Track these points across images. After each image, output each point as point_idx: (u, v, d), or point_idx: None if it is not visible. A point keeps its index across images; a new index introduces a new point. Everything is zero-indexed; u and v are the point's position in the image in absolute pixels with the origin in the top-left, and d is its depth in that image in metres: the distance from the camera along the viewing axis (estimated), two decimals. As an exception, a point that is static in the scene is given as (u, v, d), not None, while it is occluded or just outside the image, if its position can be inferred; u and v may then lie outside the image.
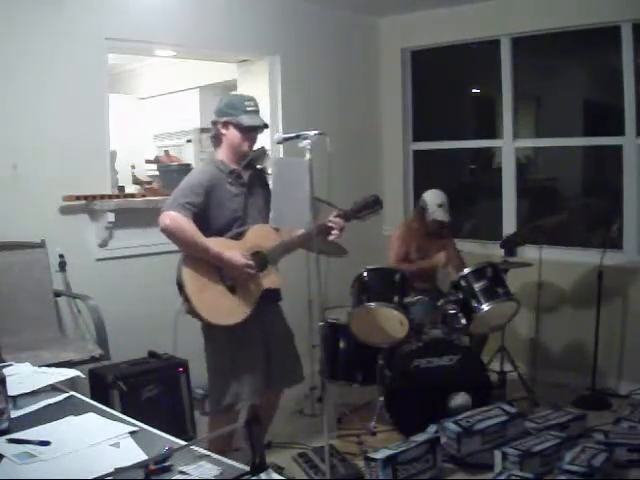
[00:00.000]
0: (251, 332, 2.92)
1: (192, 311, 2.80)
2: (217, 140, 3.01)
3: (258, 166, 3.14)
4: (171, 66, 6.43)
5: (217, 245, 2.82)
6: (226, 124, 2.95)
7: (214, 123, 3.01)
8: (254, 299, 2.90)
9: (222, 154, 2.99)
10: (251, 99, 3.00)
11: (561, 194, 5.37)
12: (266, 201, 2.96)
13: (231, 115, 2.92)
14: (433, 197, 4.25)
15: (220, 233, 2.89)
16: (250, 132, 2.94)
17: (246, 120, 2.90)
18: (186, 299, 2.79)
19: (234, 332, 2.86)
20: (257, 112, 2.98)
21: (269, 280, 2.96)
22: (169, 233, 2.77)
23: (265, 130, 3.08)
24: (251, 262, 2.84)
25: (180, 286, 2.80)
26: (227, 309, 2.84)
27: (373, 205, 3.06)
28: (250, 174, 3.01)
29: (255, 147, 3.04)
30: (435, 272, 4.42)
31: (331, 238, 3.01)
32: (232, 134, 2.94)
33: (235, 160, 2.99)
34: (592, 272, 4.30)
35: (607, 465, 3.07)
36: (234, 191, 2.95)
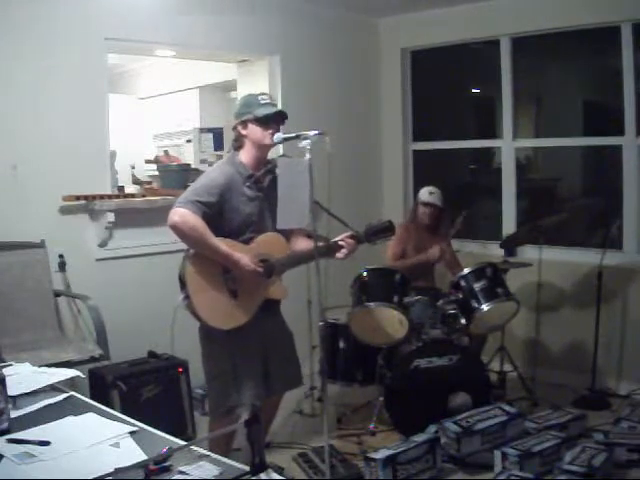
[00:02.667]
0: (250, 337, 2.90)
1: (191, 309, 2.80)
2: (239, 143, 2.98)
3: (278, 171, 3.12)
4: (171, 66, 6.43)
5: (225, 246, 2.80)
6: (244, 123, 2.92)
7: (234, 128, 2.99)
8: (254, 306, 2.88)
9: (243, 156, 2.96)
10: (265, 93, 3.01)
11: (561, 194, 5.36)
12: None
13: (248, 113, 2.91)
14: (424, 189, 4.42)
15: (232, 236, 2.86)
16: (269, 123, 2.90)
17: (261, 111, 2.88)
18: (187, 296, 2.78)
19: (232, 337, 2.84)
20: (272, 104, 2.97)
21: (272, 290, 2.94)
22: (177, 230, 2.74)
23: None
24: (260, 269, 2.83)
25: (182, 282, 2.80)
26: (226, 313, 2.82)
27: (386, 231, 3.06)
28: (270, 179, 2.95)
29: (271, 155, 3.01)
30: (432, 269, 4.42)
31: (338, 256, 2.99)
32: (252, 130, 2.91)
33: (256, 165, 2.96)
34: (592, 272, 4.30)
35: (607, 465, 3.07)
36: (251, 195, 2.92)
